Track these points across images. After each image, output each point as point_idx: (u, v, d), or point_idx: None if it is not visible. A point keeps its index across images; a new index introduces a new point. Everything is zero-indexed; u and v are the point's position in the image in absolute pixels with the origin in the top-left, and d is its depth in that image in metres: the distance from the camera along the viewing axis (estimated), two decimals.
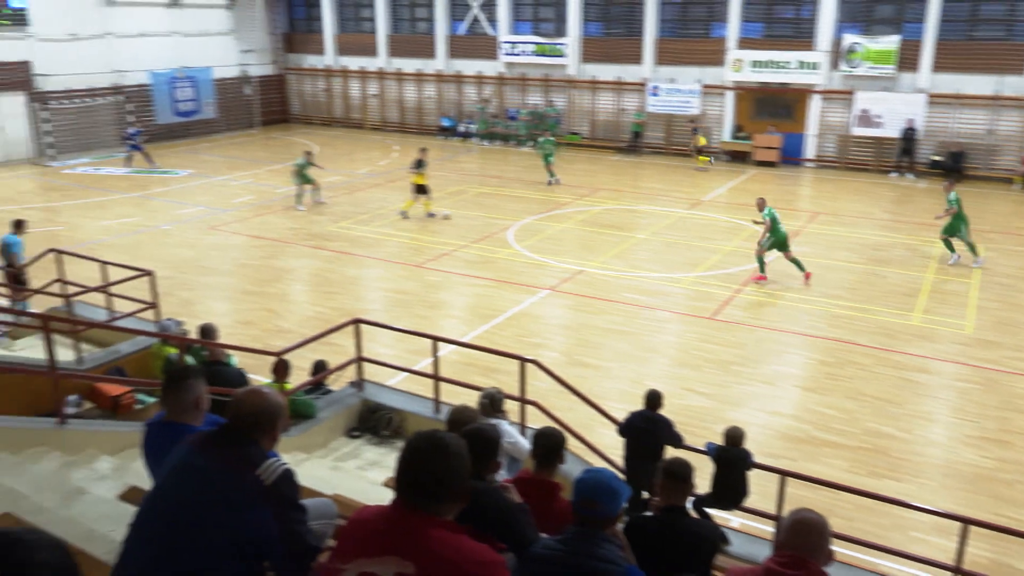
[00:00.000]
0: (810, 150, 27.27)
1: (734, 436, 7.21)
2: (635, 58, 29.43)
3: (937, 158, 25.07)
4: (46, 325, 7.96)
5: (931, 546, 7.55)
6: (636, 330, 12.99)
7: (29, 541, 1.42)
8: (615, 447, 8.41)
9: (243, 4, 34.83)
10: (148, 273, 10.95)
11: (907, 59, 25.06)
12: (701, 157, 26.92)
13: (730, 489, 7.23)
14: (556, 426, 6.58)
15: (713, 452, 7.26)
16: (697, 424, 9.52)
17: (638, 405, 7.55)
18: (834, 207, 21.47)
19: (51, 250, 12.26)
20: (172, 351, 9.09)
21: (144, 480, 5.78)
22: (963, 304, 14.17)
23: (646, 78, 29.23)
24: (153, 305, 10.87)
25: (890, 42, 25.04)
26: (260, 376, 9.91)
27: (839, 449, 9.48)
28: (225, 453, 2.99)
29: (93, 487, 6.39)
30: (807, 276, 15.08)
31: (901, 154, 25.27)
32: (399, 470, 2.59)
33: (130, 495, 5.38)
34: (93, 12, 29.34)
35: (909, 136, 24.95)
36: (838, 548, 6.99)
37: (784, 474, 7.13)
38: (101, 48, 29.72)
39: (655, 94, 29.05)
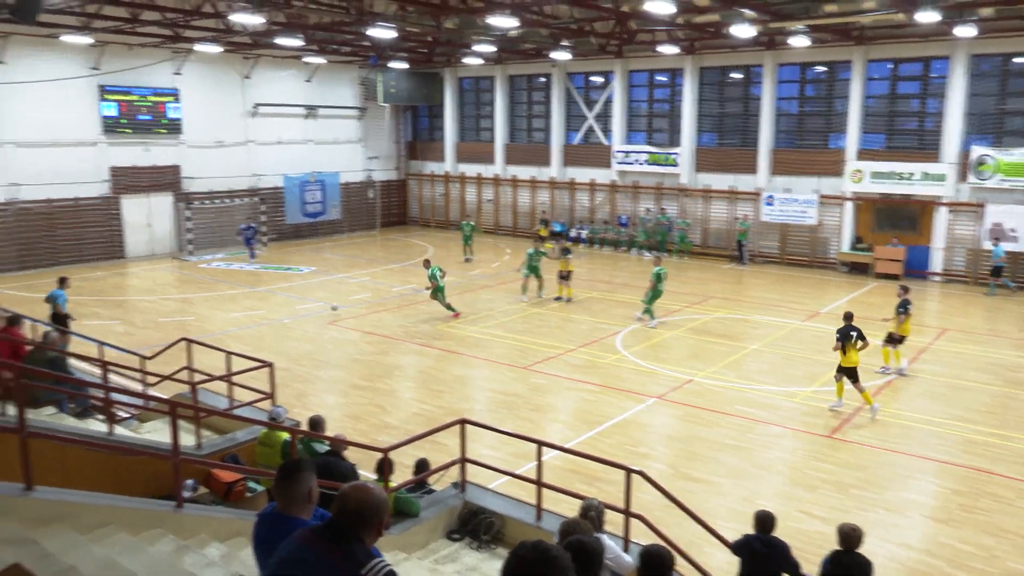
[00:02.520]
0: (937, 263, 26.10)
1: (849, 536, 6.67)
2: (750, 168, 29.42)
3: None
4: (173, 411, 8.35)
5: None
6: (748, 445, 12.47)
7: None
8: (723, 569, 7.99)
9: (372, 115, 37.25)
10: (268, 364, 11.45)
11: None
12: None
13: None
14: (662, 543, 6.33)
15: (826, 566, 6.72)
16: (813, 550, 8.88)
17: (749, 525, 7.16)
18: (964, 323, 20.32)
19: (183, 339, 13.04)
20: (283, 437, 9.35)
21: (251, 570, 5.90)
22: None
23: (760, 188, 29.07)
24: (270, 395, 11.29)
25: (1023, 155, 24.06)
26: (365, 472, 10.03)
27: None
28: (331, 550, 3.03)
29: (203, 573, 6.53)
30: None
31: None
32: None
33: None
34: (238, 121, 32.04)
35: None
36: None
37: None
38: (242, 154, 32.26)
39: (770, 204, 28.77)
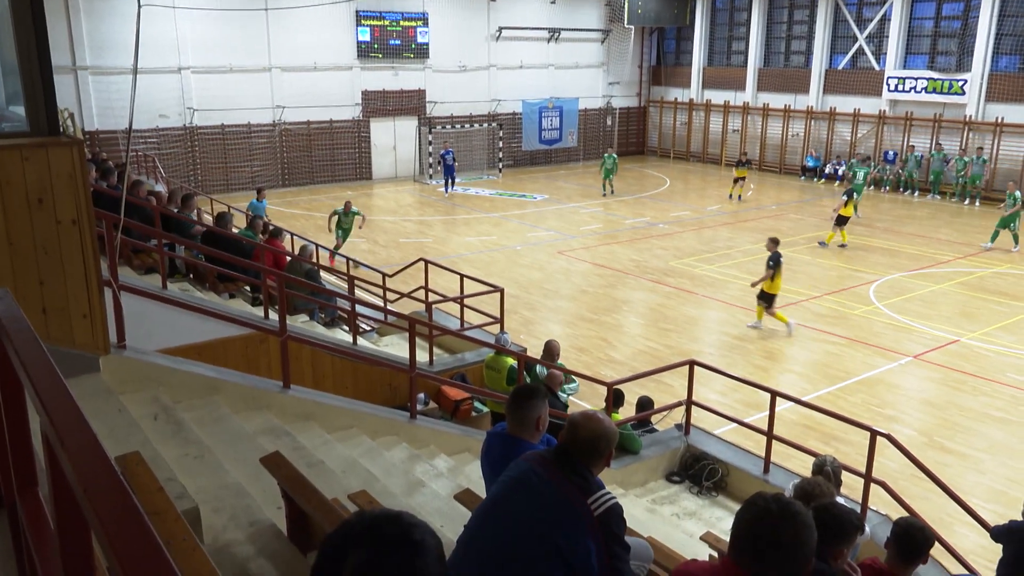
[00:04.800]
0: None
1: None
2: None
3: None
4: (411, 327, 8.76)
5: None
6: (1019, 419, 10.91)
7: (411, 521, 1.54)
8: (976, 553, 7.13)
9: (616, 37, 36.35)
10: (499, 290, 11.70)
11: None
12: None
13: None
14: (919, 519, 5.68)
15: None
16: None
17: (1013, 509, 6.23)
18: None
19: (421, 259, 13.72)
20: (510, 362, 9.54)
21: (476, 484, 6.08)
22: None
23: None
24: (499, 320, 11.57)
25: None
26: (589, 405, 10.01)
27: None
28: (559, 475, 3.02)
29: (432, 482, 6.86)
30: None
31: None
32: (740, 530, 2.43)
33: (463, 496, 5.66)
34: (482, 45, 32.64)
35: None
36: None
37: None
38: (484, 79, 32.95)
39: None
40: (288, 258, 11.86)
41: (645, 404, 9.43)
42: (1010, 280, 17.58)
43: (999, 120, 26.48)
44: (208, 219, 14.12)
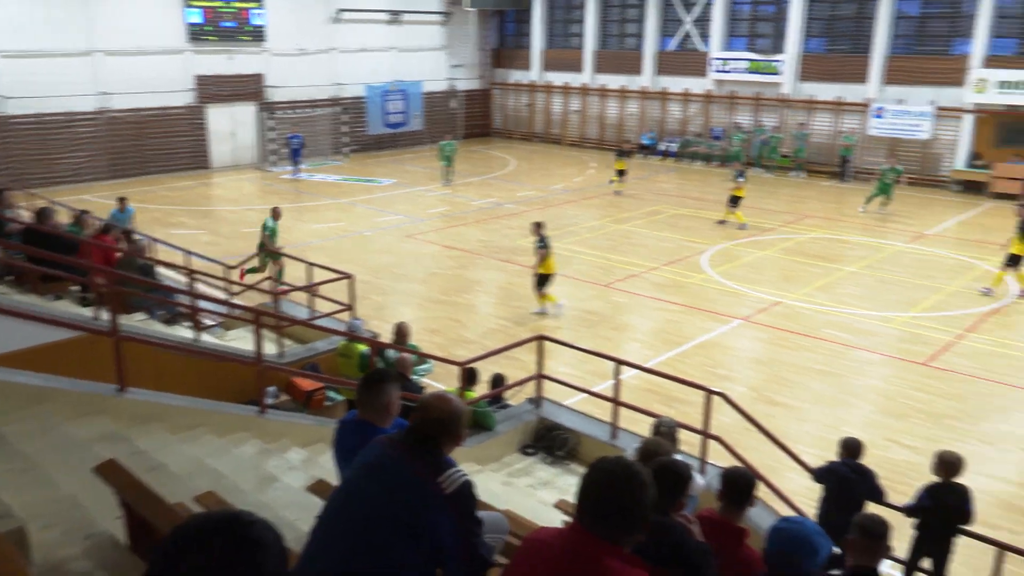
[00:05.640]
0: None
1: (950, 464, 6.39)
2: (859, 76, 27.52)
3: None
4: (257, 319, 8.51)
5: None
6: (837, 371, 12.00)
7: (249, 520, 1.51)
8: (802, 495, 7.79)
9: (457, 20, 36.42)
10: (348, 276, 11.56)
11: None
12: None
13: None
14: (742, 465, 6.15)
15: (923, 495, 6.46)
16: (900, 480, 8.56)
17: (832, 452, 6.89)
18: None
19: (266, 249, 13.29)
20: (361, 349, 9.48)
21: (330, 474, 6.03)
22: None
23: (870, 98, 27.24)
24: (349, 307, 11.45)
25: None
26: (443, 385, 10.11)
27: None
28: (411, 457, 3.05)
29: (285, 476, 6.73)
30: None
31: None
32: (584, 493, 2.53)
33: (317, 487, 5.61)
34: (321, 28, 31.80)
35: None
36: None
37: (1004, 548, 6.26)
38: (325, 62, 32.15)
39: (879, 116, 26.98)
40: (119, 254, 11.18)
41: (498, 381, 9.65)
42: (824, 244, 19.18)
43: (811, 98, 28.69)
44: (28, 216, 13.03)
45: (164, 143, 28.22)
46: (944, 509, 6.35)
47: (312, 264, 12.51)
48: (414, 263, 17.67)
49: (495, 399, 9.53)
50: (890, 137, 26.89)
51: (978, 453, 9.57)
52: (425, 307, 14.85)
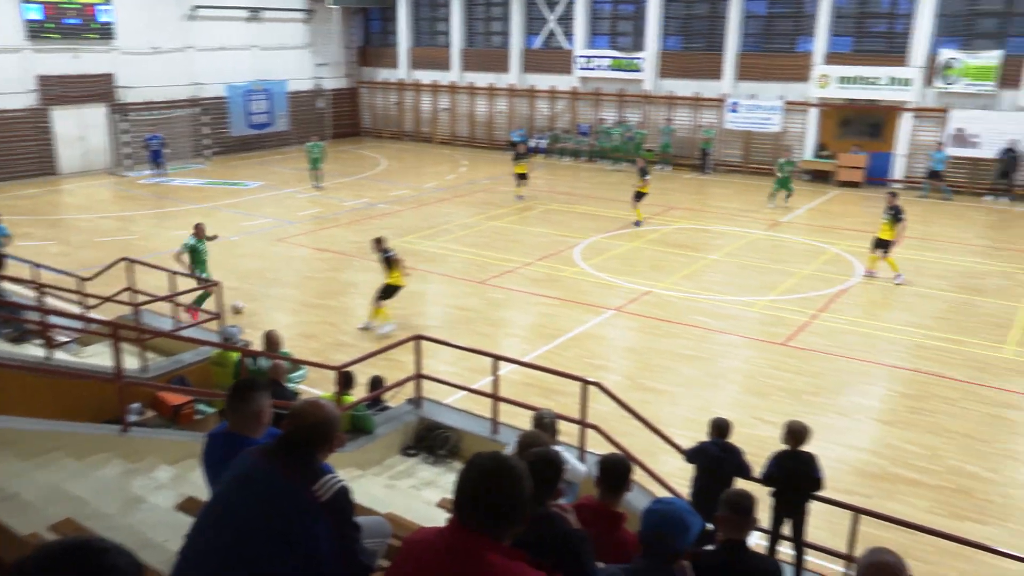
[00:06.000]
0: (898, 170, 26.19)
1: (796, 433, 6.81)
2: (715, 73, 28.87)
3: None
4: (115, 333, 8.05)
5: None
6: (704, 355, 12.56)
7: (100, 547, 1.45)
8: (677, 476, 8.08)
9: (320, 18, 35.62)
10: (214, 284, 11.10)
11: (1009, 76, 23.85)
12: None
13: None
14: (617, 451, 6.33)
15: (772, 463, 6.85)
16: (765, 454, 9.03)
17: (704, 433, 7.20)
18: (924, 231, 20.41)
19: (123, 259, 12.54)
20: (235, 357, 9.14)
21: (202, 491, 5.76)
22: None
23: (725, 94, 28.64)
24: (218, 316, 11.00)
25: (991, 57, 23.87)
26: (320, 391, 9.88)
27: (919, 487, 8.91)
28: (284, 466, 2.98)
29: (152, 496, 6.41)
30: None
31: (999, 176, 24.06)
32: (460, 490, 2.54)
33: (187, 505, 5.36)
34: (175, 26, 30.35)
35: (1009, 157, 23.73)
36: None
37: (857, 511, 6.73)
38: (181, 61, 30.72)
39: (734, 111, 28.40)
40: None
41: (376, 383, 9.53)
42: (690, 234, 20.01)
43: (671, 94, 29.87)
44: None
45: (4, 148, 26.17)
46: (794, 476, 6.75)
47: (175, 272, 11.92)
48: (285, 267, 17.17)
49: (374, 402, 9.41)
50: (745, 130, 28.37)
51: (834, 425, 10.25)
52: (299, 312, 14.46)
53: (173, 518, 5.64)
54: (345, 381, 8.86)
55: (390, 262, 13.24)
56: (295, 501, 2.92)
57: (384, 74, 37.50)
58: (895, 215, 15.88)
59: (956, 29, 24.84)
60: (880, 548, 3.17)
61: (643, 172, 20.72)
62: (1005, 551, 7.06)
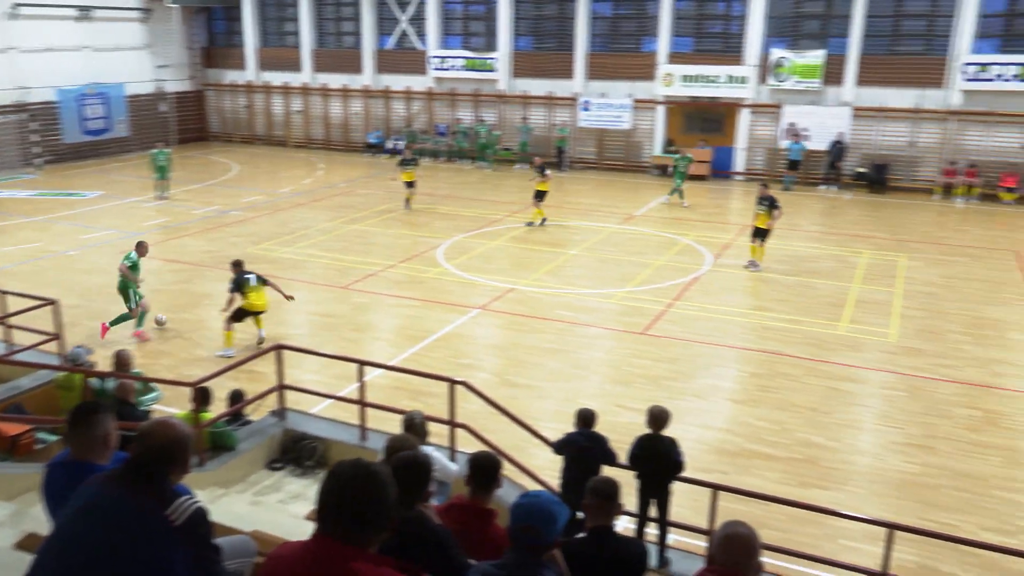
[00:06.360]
0: (739, 163, 27.78)
1: (656, 418, 7.09)
2: (566, 73, 29.58)
3: (862, 170, 25.87)
4: None
5: (861, 553, 7.58)
6: (568, 348, 12.85)
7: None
8: (548, 468, 8.22)
9: (159, 17, 33.78)
10: (51, 302, 10.33)
11: (832, 73, 25.77)
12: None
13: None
14: (487, 449, 6.38)
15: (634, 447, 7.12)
16: (630, 441, 9.37)
17: (572, 424, 7.37)
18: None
19: None
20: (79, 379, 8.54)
21: (44, 526, 5.34)
22: (887, 313, 14.51)
23: (577, 93, 29.39)
24: (57, 336, 10.24)
25: (816, 57, 25.75)
26: (177, 409, 9.39)
27: (771, 460, 9.48)
28: (133, 491, 2.83)
29: None
30: None
31: (829, 167, 25.96)
32: (321, 501, 2.50)
33: (27, 543, 4.95)
34: None
35: (837, 149, 25.63)
36: (772, 560, 7.01)
37: (716, 488, 7.08)
38: (3, 63, 28.32)
39: (587, 109, 29.21)
40: None
41: (236, 397, 9.16)
42: (549, 230, 20.42)
43: (525, 93, 30.37)
44: None
45: None
46: (656, 460, 7.04)
47: (5, 292, 10.98)
48: None
49: (235, 417, 9.04)
50: (598, 128, 29.26)
51: (692, 407, 10.76)
52: (149, 328, 13.67)
53: (12, 557, 5.18)
54: (202, 397, 8.46)
55: (241, 284, 12.56)
56: (147, 527, 2.79)
57: (231, 76, 36.05)
58: (771, 204, 16.78)
59: (784, 30, 26.64)
60: (733, 521, 3.34)
61: (541, 170, 20.37)
62: (847, 513, 7.67)
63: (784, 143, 26.31)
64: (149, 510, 2.81)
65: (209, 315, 14.39)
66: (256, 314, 12.75)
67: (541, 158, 22.62)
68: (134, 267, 13.25)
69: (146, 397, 8.71)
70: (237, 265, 12.96)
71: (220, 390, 9.23)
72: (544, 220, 20.63)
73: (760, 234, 16.95)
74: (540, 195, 20.34)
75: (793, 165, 26.16)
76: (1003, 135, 24.51)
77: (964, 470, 9.28)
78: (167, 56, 34.52)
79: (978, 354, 12.67)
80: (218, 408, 9.01)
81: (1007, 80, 23.75)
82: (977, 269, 17.30)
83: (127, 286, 13.17)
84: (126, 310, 13.17)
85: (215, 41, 36.75)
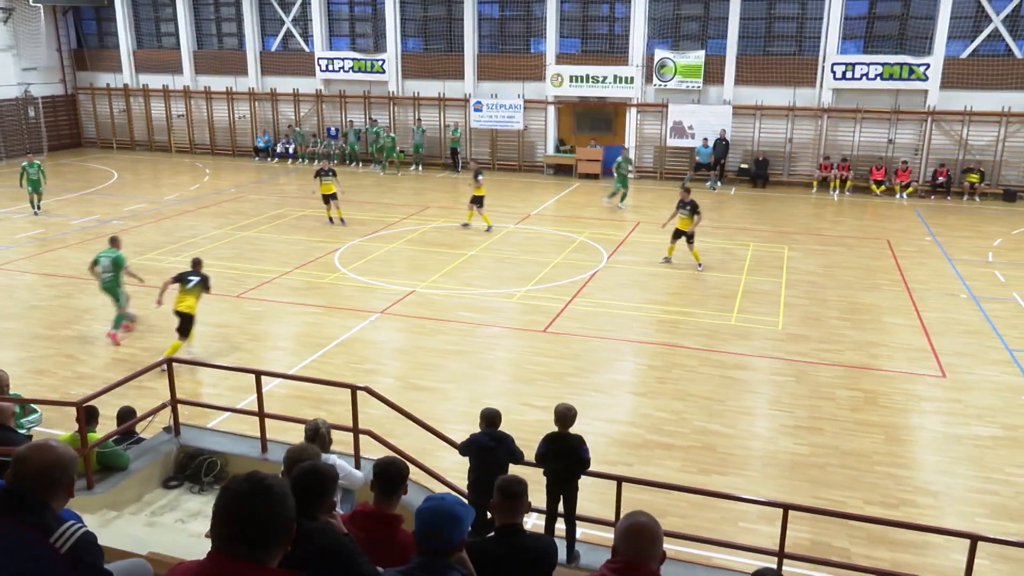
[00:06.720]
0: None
1: (564, 416, 7.19)
2: (457, 74, 29.57)
3: (744, 166, 27.01)
4: None
5: (759, 534, 7.91)
6: (471, 348, 12.87)
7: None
8: (455, 470, 8.22)
9: (23, 17, 31.74)
10: None
11: (713, 73, 26.80)
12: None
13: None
14: (392, 454, 6.31)
15: (541, 446, 7.20)
16: (536, 439, 9.46)
17: (477, 425, 7.38)
18: (655, 216, 22.32)
19: None
20: None
21: None
22: (774, 302, 15.20)
23: (468, 94, 29.44)
24: None
25: (696, 57, 26.69)
26: (61, 431, 8.86)
27: (671, 450, 9.77)
28: (10, 522, 2.68)
29: None
30: None
31: (714, 163, 26.94)
32: (216, 518, 2.41)
33: None
34: None
35: (722, 146, 26.63)
36: (675, 546, 7.24)
37: (620, 480, 7.23)
38: None
39: (479, 110, 29.28)
40: None
41: (126, 415, 8.70)
42: (446, 232, 20.39)
43: (416, 94, 30.20)
44: None
45: None
46: (563, 457, 7.15)
47: None
48: (6, 298, 15.20)
49: (125, 435, 8.60)
50: (491, 128, 29.40)
51: (595, 402, 10.96)
52: (27, 346, 12.87)
53: None
54: (88, 417, 8.01)
55: (180, 279, 12.35)
56: (30, 557, 2.65)
57: (106, 79, 34.30)
58: (692, 210, 17.20)
59: (666, 32, 27.50)
60: (634, 512, 3.40)
61: (476, 175, 20.33)
62: (743, 496, 8.00)
63: (708, 147, 27.01)
64: (31, 540, 2.67)
65: (91, 330, 13.67)
66: (181, 317, 12.16)
67: (476, 162, 22.70)
68: (119, 261, 13.15)
69: (26, 419, 8.18)
70: (195, 263, 12.70)
71: (108, 408, 8.77)
72: (489, 227, 20.41)
73: (680, 235, 17.40)
74: (478, 200, 20.27)
75: (699, 167, 27.07)
76: (871, 131, 26.12)
77: (849, 448, 9.83)
78: (34, 58, 32.51)
79: (856, 338, 13.45)
80: (107, 427, 8.57)
81: (871, 79, 25.35)
82: (853, 257, 18.36)
83: (113, 286, 13.12)
84: (116, 311, 13.18)
85: (86, 43, 34.83)
